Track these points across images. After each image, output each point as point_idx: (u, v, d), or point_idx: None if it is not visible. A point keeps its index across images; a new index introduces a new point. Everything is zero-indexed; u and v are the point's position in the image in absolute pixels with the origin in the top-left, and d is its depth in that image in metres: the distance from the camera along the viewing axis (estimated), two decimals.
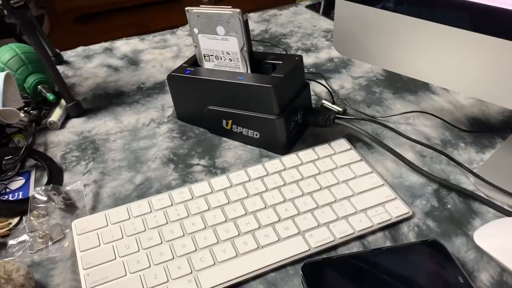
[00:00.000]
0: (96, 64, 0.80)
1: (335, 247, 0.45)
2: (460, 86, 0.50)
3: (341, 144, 0.57)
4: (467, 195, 0.50)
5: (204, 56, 0.58)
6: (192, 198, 0.50)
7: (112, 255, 0.44)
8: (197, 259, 0.43)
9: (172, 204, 0.49)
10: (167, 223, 0.47)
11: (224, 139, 0.60)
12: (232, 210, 0.48)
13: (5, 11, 0.59)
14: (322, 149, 0.56)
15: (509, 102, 0.46)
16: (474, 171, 0.52)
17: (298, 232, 0.46)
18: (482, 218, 0.48)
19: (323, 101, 0.65)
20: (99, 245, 0.45)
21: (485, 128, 0.60)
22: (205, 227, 0.46)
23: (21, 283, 0.40)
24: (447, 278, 0.40)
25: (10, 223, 0.49)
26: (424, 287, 0.39)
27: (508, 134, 0.59)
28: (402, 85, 0.70)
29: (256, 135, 0.57)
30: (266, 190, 0.50)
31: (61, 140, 0.61)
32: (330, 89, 0.69)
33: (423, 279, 0.40)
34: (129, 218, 0.48)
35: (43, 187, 0.51)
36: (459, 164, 0.53)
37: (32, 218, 0.49)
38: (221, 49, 0.56)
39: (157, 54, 0.82)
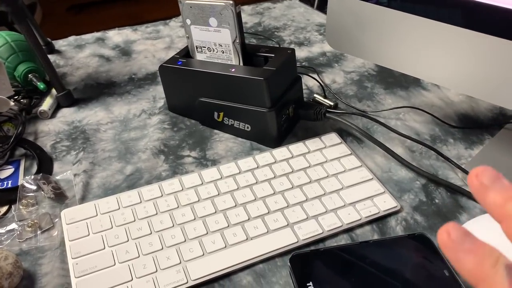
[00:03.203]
0: (88, 54, 0.79)
1: (323, 240, 0.45)
2: (450, 83, 0.50)
3: (332, 138, 0.57)
4: (455, 190, 0.51)
5: (197, 48, 0.58)
6: (182, 189, 0.50)
7: (101, 244, 0.44)
8: (186, 249, 0.44)
9: (162, 195, 0.49)
10: (156, 213, 0.47)
11: (215, 131, 0.60)
12: (222, 201, 0.48)
13: None
14: (312, 143, 0.56)
15: (498, 99, 0.47)
16: (463, 166, 0.53)
17: (287, 224, 0.46)
18: (469, 213, 0.48)
19: (315, 95, 0.65)
20: (88, 235, 0.45)
21: (474, 125, 0.61)
22: (194, 218, 0.47)
23: (9, 271, 0.40)
24: (433, 271, 0.41)
25: None
26: (410, 280, 0.40)
27: (497, 130, 0.59)
28: (393, 80, 0.70)
29: (247, 127, 0.57)
30: (256, 182, 0.51)
31: (51, 129, 0.61)
32: (322, 83, 0.69)
33: (409, 272, 0.40)
34: (119, 208, 0.48)
35: (32, 176, 0.51)
36: (447, 159, 0.54)
37: (21, 207, 0.49)
38: (214, 41, 0.56)
39: (149, 45, 0.82)
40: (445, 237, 0.22)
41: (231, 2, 0.51)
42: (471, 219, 0.46)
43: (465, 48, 0.47)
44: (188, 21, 0.56)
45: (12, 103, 0.58)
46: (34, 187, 0.50)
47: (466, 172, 0.52)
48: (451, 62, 0.49)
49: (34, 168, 0.54)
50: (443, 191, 0.51)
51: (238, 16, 0.53)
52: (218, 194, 0.49)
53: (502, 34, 0.44)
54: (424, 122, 0.61)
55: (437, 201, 0.50)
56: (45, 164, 0.55)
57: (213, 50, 0.57)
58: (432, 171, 0.53)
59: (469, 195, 0.50)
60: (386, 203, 0.48)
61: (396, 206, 0.48)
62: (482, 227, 0.45)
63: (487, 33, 0.45)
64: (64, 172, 0.53)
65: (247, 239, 0.45)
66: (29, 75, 0.65)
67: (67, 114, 0.64)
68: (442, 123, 0.61)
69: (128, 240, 0.45)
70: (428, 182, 0.52)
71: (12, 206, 0.50)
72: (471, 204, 0.49)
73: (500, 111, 0.63)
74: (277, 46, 0.81)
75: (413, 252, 0.42)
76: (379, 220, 0.47)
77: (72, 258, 0.43)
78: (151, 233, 0.45)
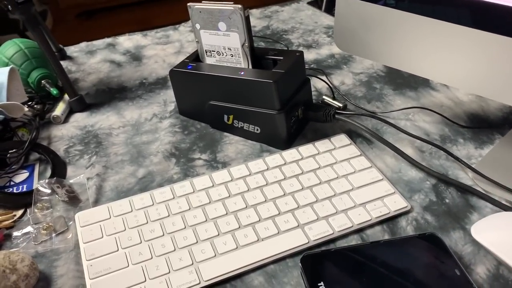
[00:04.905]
0: (99, 60, 0.80)
1: (334, 240, 0.46)
2: (459, 83, 0.50)
3: (341, 139, 0.57)
4: (465, 190, 0.51)
5: (206, 52, 0.59)
6: (194, 191, 0.50)
7: (114, 246, 0.45)
8: (198, 251, 0.44)
9: (174, 197, 0.50)
10: (168, 215, 0.48)
11: (225, 134, 0.61)
12: (233, 203, 0.49)
13: (9, 6, 0.59)
14: (322, 144, 0.56)
15: (508, 98, 0.47)
16: (473, 166, 0.53)
17: (298, 225, 0.46)
18: (480, 212, 0.48)
19: (324, 97, 0.66)
20: (102, 237, 0.46)
21: (484, 124, 0.61)
22: (206, 220, 0.47)
23: (26, 273, 0.41)
24: (444, 270, 0.41)
25: (15, 215, 0.50)
26: (421, 279, 0.40)
27: (507, 130, 0.59)
28: (402, 81, 0.71)
29: (257, 130, 0.57)
30: (267, 184, 0.51)
31: (64, 134, 0.62)
32: (331, 85, 0.69)
33: (420, 272, 0.41)
34: (132, 211, 0.48)
35: (46, 180, 0.52)
36: (457, 159, 0.54)
37: (36, 210, 0.50)
38: (223, 45, 0.56)
39: (160, 49, 0.83)
40: None
41: (239, 6, 0.52)
42: (482, 218, 0.46)
43: (474, 47, 0.47)
44: (198, 26, 0.57)
45: (26, 109, 0.59)
46: (48, 191, 0.51)
47: (476, 171, 0.51)
48: (460, 62, 0.49)
49: (48, 172, 0.55)
50: (453, 191, 0.51)
51: (247, 20, 0.53)
52: (229, 196, 0.50)
53: (510, 34, 0.44)
54: (433, 122, 0.61)
55: (447, 201, 0.50)
56: (59, 168, 0.56)
57: (223, 54, 0.57)
58: (442, 171, 0.53)
59: (479, 195, 0.50)
60: (397, 203, 0.48)
61: (407, 206, 0.48)
62: (493, 226, 0.45)
63: (495, 33, 0.45)
64: (78, 175, 0.54)
65: (258, 240, 0.45)
66: (42, 81, 0.66)
67: (80, 119, 0.65)
68: (452, 123, 0.61)
69: (141, 242, 0.45)
70: (438, 182, 0.52)
71: (28, 210, 0.51)
72: (482, 203, 0.49)
73: (510, 110, 0.63)
74: (286, 49, 0.81)
75: (424, 252, 0.42)
76: (390, 221, 0.48)
77: (87, 260, 0.44)
78: (163, 234, 0.46)
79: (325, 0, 1.01)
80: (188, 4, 0.55)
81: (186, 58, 0.61)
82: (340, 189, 0.50)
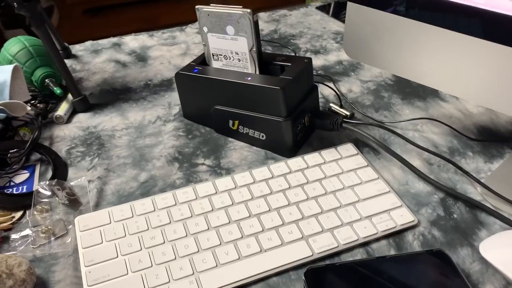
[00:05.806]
0: (104, 59, 0.80)
1: (338, 253, 0.45)
2: (469, 94, 0.49)
3: (348, 148, 0.56)
4: (473, 205, 0.49)
5: (213, 55, 0.58)
6: (196, 198, 0.49)
7: (114, 253, 0.44)
8: (199, 260, 0.43)
9: (175, 204, 0.49)
10: (170, 222, 0.47)
11: (230, 139, 0.60)
12: (236, 212, 0.48)
13: (15, 3, 0.59)
14: (328, 153, 0.55)
15: None
16: (482, 181, 0.52)
17: (302, 237, 0.45)
18: (489, 229, 0.47)
19: (331, 105, 0.65)
20: (102, 243, 0.45)
21: (494, 138, 0.60)
22: (208, 228, 0.46)
23: (23, 278, 0.40)
24: None
25: (13, 217, 0.49)
26: None
27: None
28: (411, 90, 0.69)
29: (263, 136, 0.56)
30: (271, 192, 0.50)
31: (66, 134, 0.61)
32: (338, 93, 0.68)
33: None
34: (133, 216, 0.47)
35: (47, 182, 0.51)
36: (466, 173, 0.53)
37: (35, 212, 0.49)
38: (230, 49, 0.55)
39: (165, 51, 0.82)
40: None
41: (248, 10, 0.51)
42: (490, 235, 0.45)
43: (485, 59, 0.46)
44: (205, 29, 0.56)
45: (28, 108, 0.58)
46: (48, 193, 0.50)
47: (485, 186, 0.50)
48: (470, 73, 0.48)
49: (49, 174, 0.54)
50: (461, 205, 0.50)
51: (255, 24, 0.52)
52: (232, 203, 0.49)
53: None
54: (442, 134, 0.60)
55: (455, 216, 0.49)
56: (60, 170, 0.55)
57: (230, 58, 0.56)
58: (450, 184, 0.52)
59: (488, 211, 0.48)
60: (403, 217, 0.47)
61: (414, 221, 0.47)
62: (502, 244, 0.44)
63: (507, 45, 0.44)
64: (79, 178, 0.53)
65: (261, 251, 0.44)
66: (46, 80, 0.65)
67: (83, 119, 0.64)
68: (461, 135, 0.60)
69: (141, 249, 0.44)
70: (446, 196, 0.51)
71: (27, 212, 0.50)
72: (491, 220, 0.48)
73: None
74: (293, 54, 0.80)
75: (431, 269, 0.41)
76: (396, 235, 0.47)
77: (85, 266, 0.43)
78: (164, 242, 0.45)
79: (333, 5, 1.00)
80: (196, 6, 0.55)
81: (192, 61, 0.60)
82: (345, 200, 0.49)
